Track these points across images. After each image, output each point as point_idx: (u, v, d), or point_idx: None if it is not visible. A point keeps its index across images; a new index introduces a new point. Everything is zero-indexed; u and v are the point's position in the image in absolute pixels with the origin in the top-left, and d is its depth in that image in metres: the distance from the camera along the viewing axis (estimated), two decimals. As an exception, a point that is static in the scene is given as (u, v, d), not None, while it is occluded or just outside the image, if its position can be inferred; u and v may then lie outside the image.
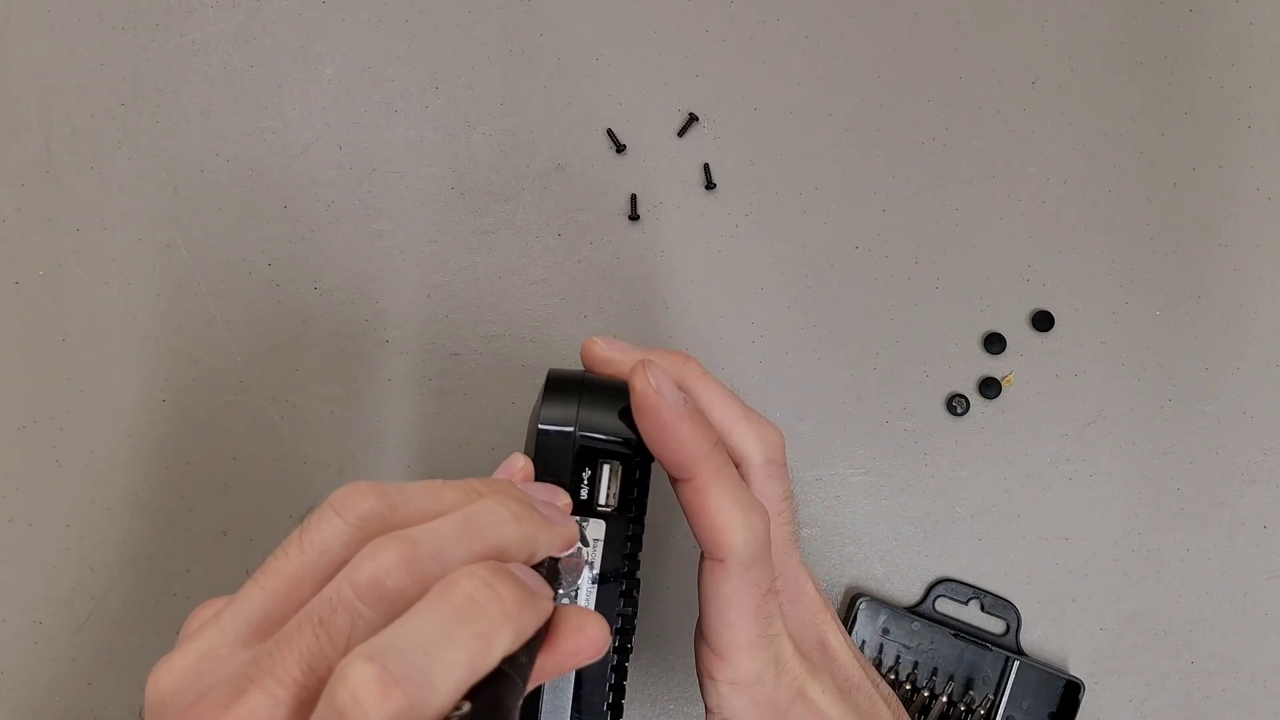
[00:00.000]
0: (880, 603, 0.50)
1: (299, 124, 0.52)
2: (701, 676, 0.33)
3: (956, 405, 0.52)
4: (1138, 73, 0.54)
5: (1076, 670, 0.51)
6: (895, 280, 0.53)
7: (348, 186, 0.51)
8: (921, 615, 0.51)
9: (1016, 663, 0.50)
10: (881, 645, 0.51)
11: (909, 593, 0.52)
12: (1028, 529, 0.52)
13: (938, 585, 0.51)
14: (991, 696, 0.50)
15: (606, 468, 0.33)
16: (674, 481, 0.33)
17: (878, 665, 0.51)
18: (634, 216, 0.52)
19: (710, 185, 0.52)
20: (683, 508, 0.32)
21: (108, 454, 0.50)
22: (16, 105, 0.51)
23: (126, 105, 0.51)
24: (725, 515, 0.31)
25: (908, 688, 0.50)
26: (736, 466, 0.34)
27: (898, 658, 0.51)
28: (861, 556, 0.52)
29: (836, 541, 0.52)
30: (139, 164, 0.51)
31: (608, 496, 0.33)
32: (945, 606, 0.51)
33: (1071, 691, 0.50)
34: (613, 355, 0.34)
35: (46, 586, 0.49)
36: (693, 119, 0.53)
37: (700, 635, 0.33)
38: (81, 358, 0.50)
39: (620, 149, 0.52)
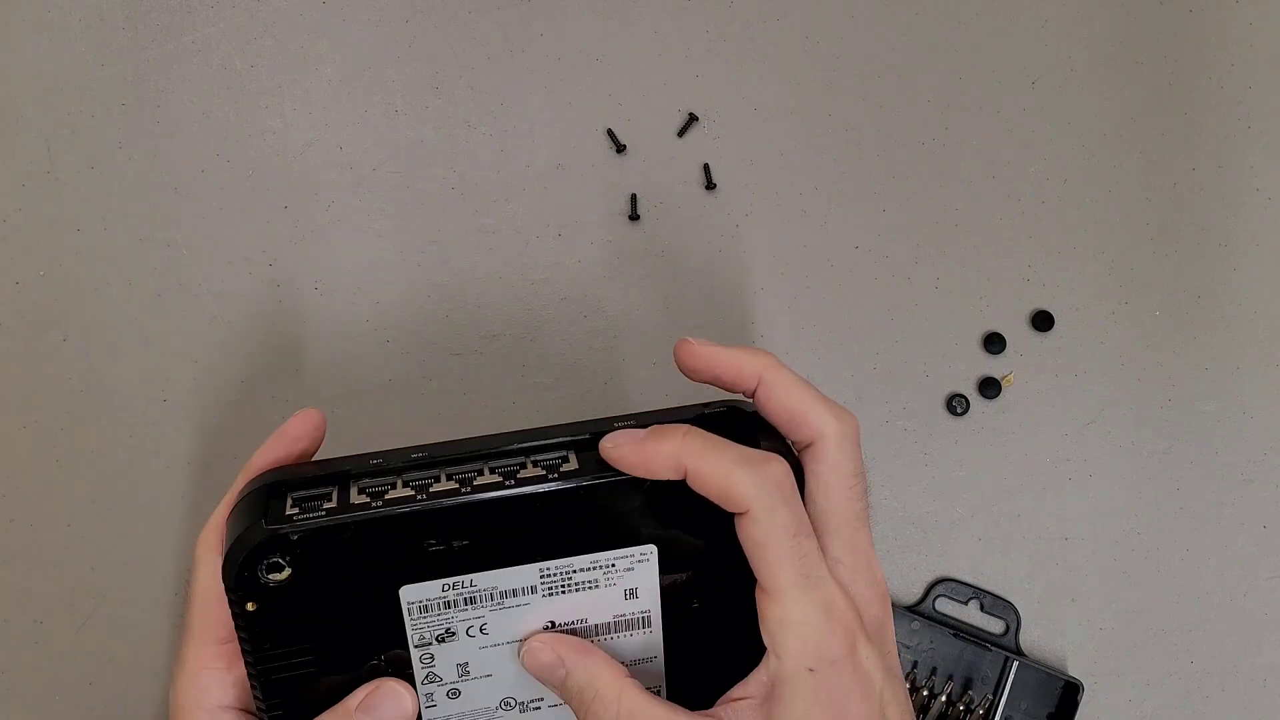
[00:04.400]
0: (880, 603, 0.50)
1: (299, 124, 0.52)
2: (759, 622, 0.34)
3: (956, 405, 0.52)
4: (1138, 73, 0.54)
5: (1076, 670, 0.51)
6: (895, 280, 0.53)
7: (348, 186, 0.51)
8: (921, 615, 0.51)
9: (1016, 663, 0.50)
10: (881, 645, 0.51)
11: (909, 592, 0.52)
12: (1028, 529, 0.52)
13: (937, 585, 0.51)
14: (990, 696, 0.50)
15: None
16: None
17: (877, 665, 0.51)
18: (634, 216, 0.52)
19: (710, 185, 0.52)
20: (704, 497, 0.33)
21: (108, 454, 0.50)
22: (16, 105, 0.51)
23: (126, 105, 0.51)
24: (727, 474, 0.32)
25: (907, 687, 0.50)
26: (812, 444, 0.35)
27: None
28: (861, 556, 0.52)
29: (836, 541, 0.52)
30: (139, 164, 0.51)
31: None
32: (945, 606, 0.51)
33: (1070, 693, 0.50)
34: (711, 354, 0.36)
35: (46, 586, 0.49)
36: (693, 119, 0.53)
37: (757, 586, 0.34)
38: (81, 358, 0.50)
39: (620, 149, 0.52)
